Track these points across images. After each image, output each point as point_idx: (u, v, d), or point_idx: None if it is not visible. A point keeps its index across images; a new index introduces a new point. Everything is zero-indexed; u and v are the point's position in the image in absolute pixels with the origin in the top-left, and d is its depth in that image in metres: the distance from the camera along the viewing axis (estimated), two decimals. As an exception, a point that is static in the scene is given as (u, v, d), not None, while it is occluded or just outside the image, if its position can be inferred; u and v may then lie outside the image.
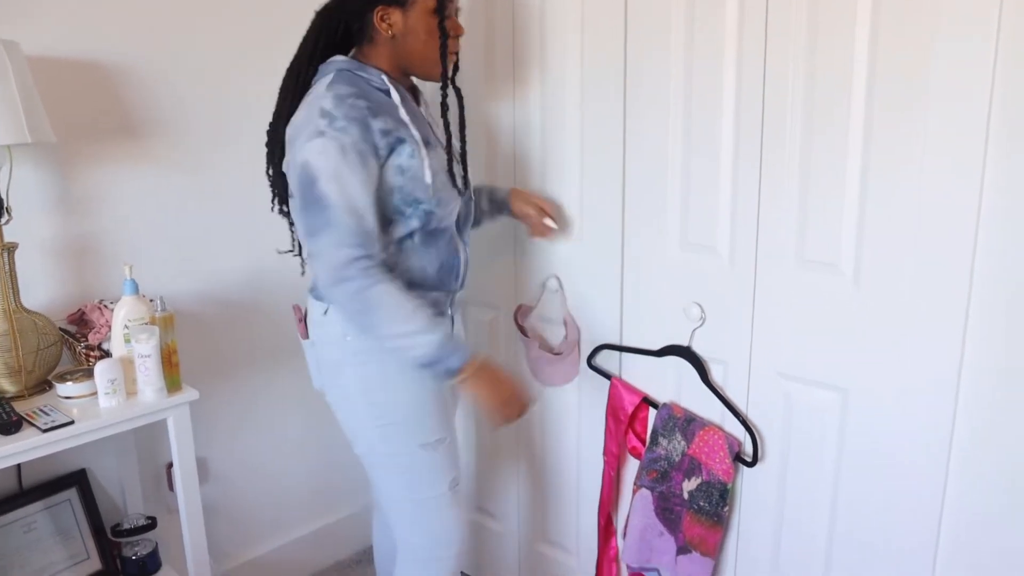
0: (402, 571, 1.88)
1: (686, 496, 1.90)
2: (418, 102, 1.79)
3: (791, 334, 1.74)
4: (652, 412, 2.00)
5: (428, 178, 1.65)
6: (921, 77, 1.47)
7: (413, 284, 1.72)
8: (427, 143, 1.68)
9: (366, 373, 1.72)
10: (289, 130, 1.62)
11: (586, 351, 2.12)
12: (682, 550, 1.93)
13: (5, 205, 1.82)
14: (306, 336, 1.82)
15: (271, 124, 1.73)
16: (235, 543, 2.50)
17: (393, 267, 1.69)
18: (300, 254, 1.81)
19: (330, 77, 1.63)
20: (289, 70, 1.73)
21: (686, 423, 1.90)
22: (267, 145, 1.74)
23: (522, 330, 2.20)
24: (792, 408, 1.78)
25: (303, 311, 1.84)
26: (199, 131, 2.22)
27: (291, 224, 1.80)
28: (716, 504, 1.86)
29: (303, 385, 2.56)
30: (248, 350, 2.42)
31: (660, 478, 1.95)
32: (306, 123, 1.57)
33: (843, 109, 1.57)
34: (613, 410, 2.06)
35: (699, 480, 1.88)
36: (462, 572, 1.91)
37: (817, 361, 1.72)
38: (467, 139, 1.83)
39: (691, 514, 1.90)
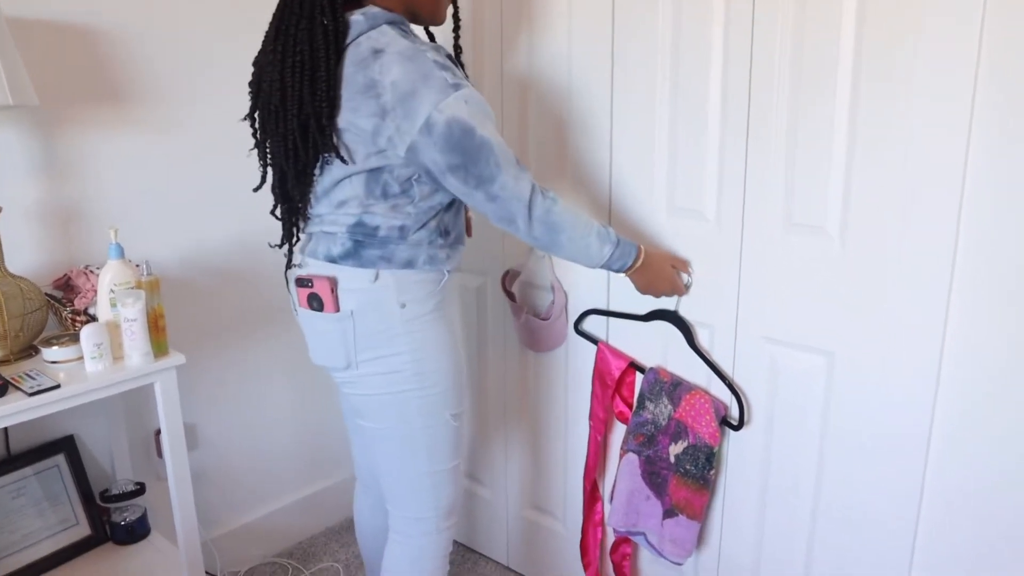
0: (406, 546, 1.81)
1: (672, 460, 1.91)
2: None
3: (777, 298, 1.75)
4: (639, 377, 2.01)
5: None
6: (908, 43, 1.46)
7: (457, 243, 1.74)
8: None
9: (420, 341, 1.66)
10: (391, 89, 1.47)
11: (573, 316, 2.13)
12: (668, 513, 1.94)
13: (-12, 169, 1.81)
14: (335, 308, 1.65)
15: (292, 83, 1.53)
16: (224, 510, 2.51)
17: (449, 226, 1.69)
18: (285, 244, 1.73)
19: (391, 29, 1.53)
20: (298, 20, 1.53)
21: (672, 387, 1.91)
22: (281, 105, 1.55)
23: (510, 296, 2.20)
24: (778, 372, 1.79)
25: (323, 281, 1.64)
26: (186, 95, 2.21)
27: (290, 197, 1.66)
28: (702, 467, 1.87)
29: (292, 351, 2.56)
30: (236, 316, 2.42)
31: (647, 442, 1.96)
32: (424, 79, 1.47)
33: (830, 72, 1.57)
34: (600, 375, 2.06)
35: (685, 443, 1.89)
36: (455, 541, 1.91)
37: (803, 325, 1.73)
38: None
39: (677, 477, 1.91)
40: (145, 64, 2.12)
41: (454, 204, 1.70)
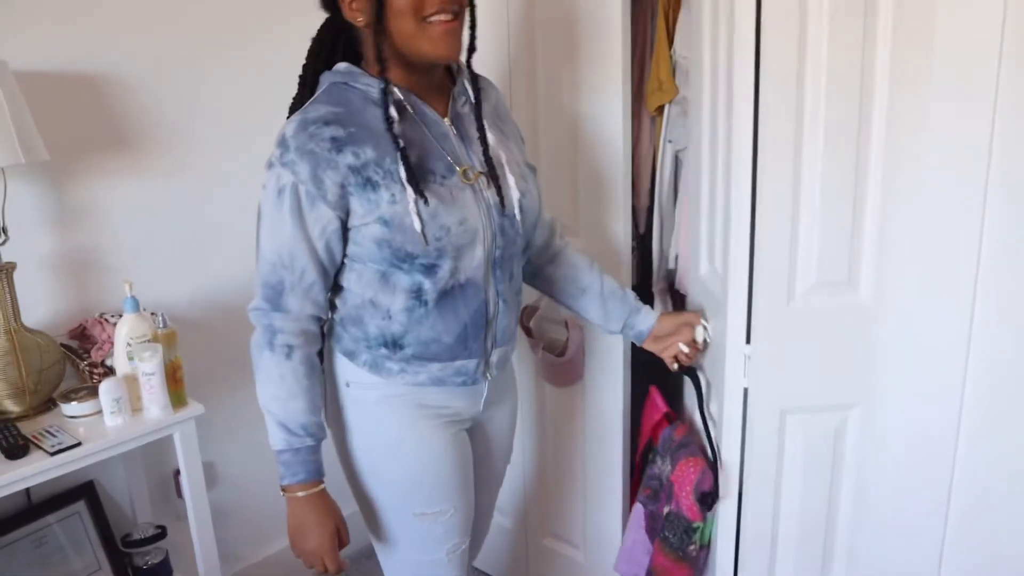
0: None
1: (662, 522, 1.87)
2: (445, 109, 1.48)
3: (794, 361, 1.64)
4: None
5: (417, 225, 1.36)
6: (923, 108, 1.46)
7: (424, 358, 1.50)
8: (428, 173, 1.40)
9: (366, 429, 1.56)
10: None
11: (595, 353, 2.11)
12: (648, 574, 1.88)
13: (2, 226, 1.81)
14: None
15: None
16: (245, 544, 2.51)
17: (400, 338, 1.48)
18: None
19: (318, 92, 1.44)
20: (298, 92, 1.52)
21: (677, 448, 1.83)
22: None
23: (527, 331, 2.20)
24: (790, 438, 1.69)
25: None
26: (195, 142, 2.20)
27: None
28: (681, 539, 1.77)
29: (307, 385, 2.55)
30: (249, 352, 2.41)
31: (652, 496, 1.91)
32: (274, 148, 1.40)
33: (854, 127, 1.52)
34: (644, 418, 2.04)
35: (669, 509, 1.80)
36: (476, 569, 1.84)
37: (823, 385, 1.66)
38: (502, 130, 1.56)
39: (659, 542, 1.83)
40: (151, 109, 2.11)
41: (412, 309, 1.46)
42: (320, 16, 1.50)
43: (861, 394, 1.64)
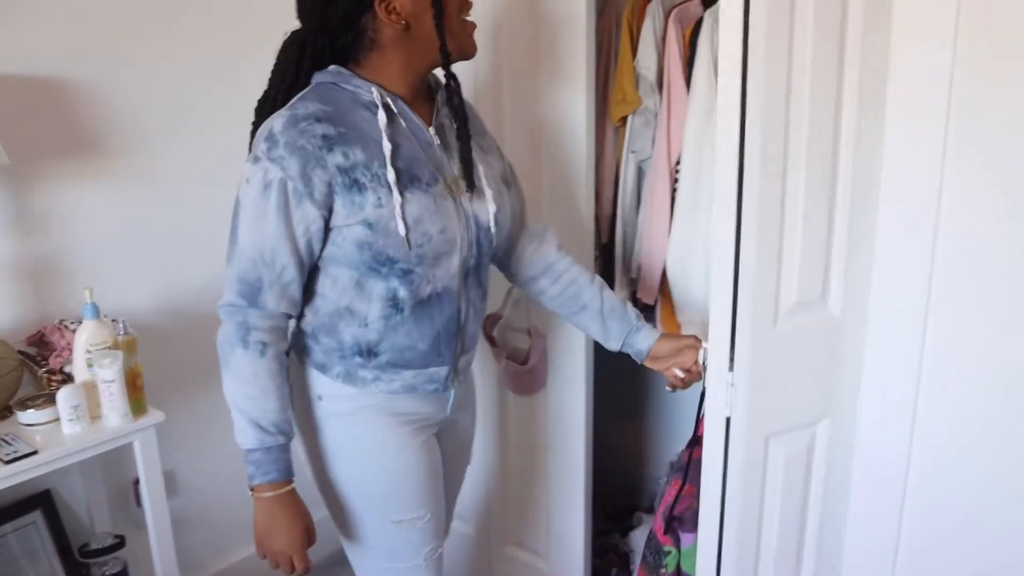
0: None
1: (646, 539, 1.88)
2: (429, 118, 1.49)
3: (776, 384, 1.63)
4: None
5: (401, 229, 1.38)
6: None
7: (398, 366, 1.51)
8: (413, 179, 1.40)
9: (341, 440, 1.55)
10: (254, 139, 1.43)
11: (557, 359, 2.13)
12: None
13: (-42, 230, 1.78)
14: None
15: (249, 137, 1.49)
16: (207, 552, 2.49)
17: (375, 346, 1.48)
18: None
19: (306, 90, 1.42)
20: (266, 91, 1.48)
21: (677, 468, 1.82)
22: None
23: (491, 340, 2.20)
24: (771, 462, 1.68)
25: None
26: (153, 144, 2.18)
27: None
28: (655, 559, 1.76)
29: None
30: (212, 361, 2.38)
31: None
32: (256, 139, 1.39)
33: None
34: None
35: (650, 528, 1.81)
36: None
37: (800, 404, 1.67)
38: (480, 145, 1.55)
39: (642, 559, 1.86)
40: (113, 114, 2.09)
41: (388, 316, 1.46)
42: (288, 20, 1.48)
43: (829, 406, 1.67)
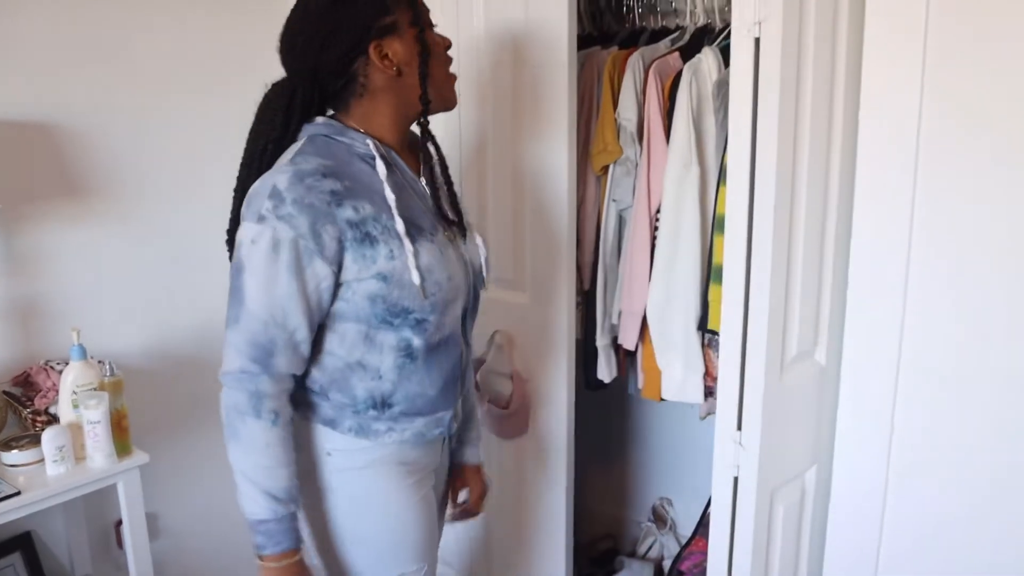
0: None
1: None
2: (418, 166, 1.50)
3: (780, 438, 1.68)
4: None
5: (416, 279, 1.37)
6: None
7: (411, 414, 1.48)
8: (418, 229, 1.40)
9: (352, 496, 1.49)
10: (247, 197, 1.37)
11: (545, 404, 2.15)
12: None
13: (-52, 272, 1.80)
14: None
15: (236, 192, 1.45)
16: (185, 597, 2.48)
17: (389, 396, 1.46)
18: None
19: (300, 144, 1.39)
20: (252, 142, 1.44)
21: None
22: (232, 212, 1.46)
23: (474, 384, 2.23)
24: (774, 514, 1.73)
25: None
26: (144, 190, 2.22)
27: None
28: None
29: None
30: (196, 403, 2.40)
31: None
32: (255, 197, 1.33)
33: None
34: None
35: None
36: None
37: (797, 454, 1.73)
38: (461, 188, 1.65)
39: None
40: (102, 158, 2.13)
41: (402, 365, 1.45)
42: (272, 71, 1.48)
43: (817, 453, 1.71)
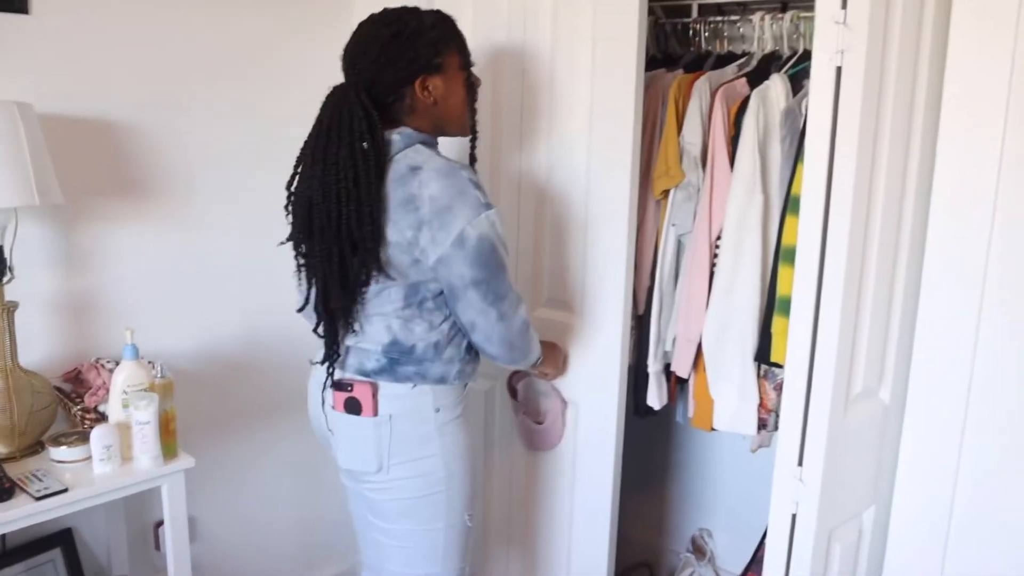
0: None
1: None
2: None
3: (841, 476, 1.64)
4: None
5: None
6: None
7: (479, 356, 1.79)
8: None
9: (451, 444, 1.74)
10: (429, 203, 1.56)
11: (582, 420, 2.12)
12: None
13: (8, 264, 1.81)
14: (374, 413, 1.69)
15: (338, 207, 1.57)
16: (218, 602, 2.46)
17: (470, 345, 1.75)
18: (328, 361, 1.73)
19: (425, 148, 1.65)
20: (338, 145, 1.58)
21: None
22: (328, 228, 1.59)
23: (513, 392, 2.21)
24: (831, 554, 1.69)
25: (365, 386, 1.69)
26: (199, 190, 2.22)
27: (334, 316, 1.68)
28: None
29: (295, 444, 2.54)
30: (242, 408, 2.40)
31: None
32: (460, 195, 1.58)
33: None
34: None
35: None
36: None
37: (856, 493, 1.69)
38: None
39: None
40: (161, 156, 2.14)
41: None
42: (324, 69, 1.69)
43: (876, 494, 1.67)
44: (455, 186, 1.58)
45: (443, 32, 1.67)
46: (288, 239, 1.71)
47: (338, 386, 1.72)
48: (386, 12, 1.66)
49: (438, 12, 1.69)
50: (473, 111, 1.76)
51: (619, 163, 1.97)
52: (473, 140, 1.82)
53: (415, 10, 1.67)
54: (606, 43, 1.94)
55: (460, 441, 1.77)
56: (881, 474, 1.69)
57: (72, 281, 2.02)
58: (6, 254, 1.80)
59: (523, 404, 2.21)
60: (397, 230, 1.59)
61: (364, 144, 1.58)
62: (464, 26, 1.73)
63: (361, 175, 1.57)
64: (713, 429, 2.09)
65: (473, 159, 1.81)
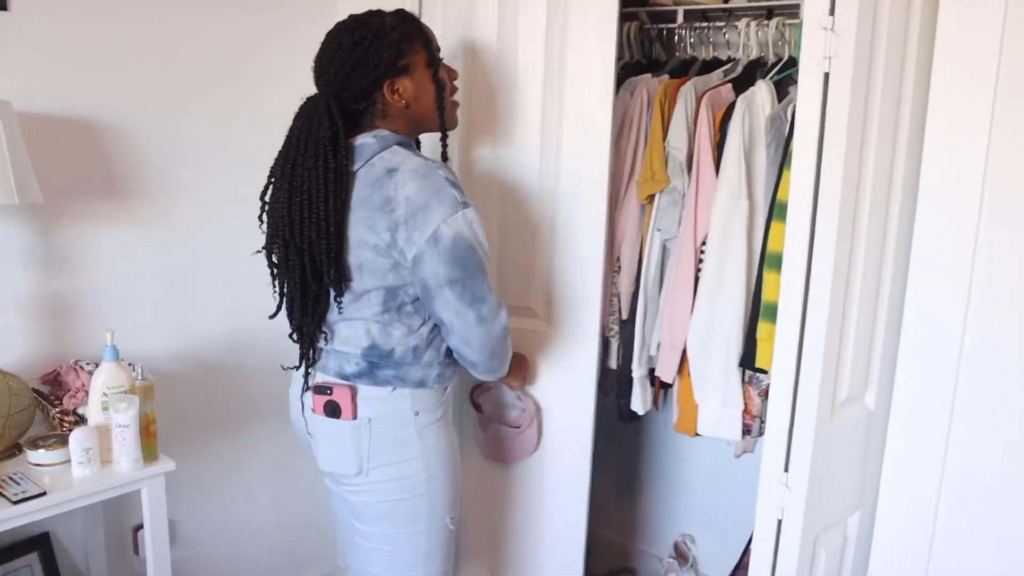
0: None
1: None
2: None
3: (827, 481, 1.64)
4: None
5: None
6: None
7: (451, 355, 1.75)
8: None
9: (431, 446, 1.73)
10: (405, 204, 1.56)
11: (552, 426, 2.11)
12: None
13: (-14, 265, 1.78)
14: (353, 416, 1.69)
15: (300, 221, 1.59)
16: (198, 607, 2.44)
17: (448, 349, 1.73)
18: (302, 366, 1.74)
19: (402, 149, 1.64)
20: (303, 157, 1.60)
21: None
22: (292, 241, 1.61)
23: (477, 407, 2.20)
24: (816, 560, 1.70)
25: (344, 389, 1.68)
26: (181, 191, 2.20)
27: (303, 324, 1.70)
28: None
29: (277, 446, 2.52)
30: (224, 410, 2.38)
31: None
32: (436, 194, 1.56)
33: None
34: None
35: None
36: None
37: (841, 499, 1.70)
38: None
39: None
40: (141, 156, 2.12)
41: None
42: (305, 76, 1.68)
43: (862, 499, 1.67)
44: (432, 186, 1.57)
45: (404, 32, 1.65)
46: (260, 250, 1.72)
47: (318, 389, 1.71)
48: (350, 18, 1.66)
49: (400, 12, 1.68)
50: (446, 105, 1.72)
51: (594, 169, 1.97)
52: (444, 137, 1.77)
53: (377, 13, 1.67)
54: (581, 41, 1.95)
55: (441, 444, 1.75)
56: (866, 480, 1.69)
57: (51, 282, 1.99)
58: (-16, 254, 1.78)
59: (490, 417, 2.21)
60: (375, 233, 1.58)
61: (328, 159, 1.58)
62: (434, 22, 1.73)
63: (322, 189, 1.58)
64: (697, 434, 2.09)
65: (445, 156, 1.78)
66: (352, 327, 1.69)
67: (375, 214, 1.58)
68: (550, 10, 1.98)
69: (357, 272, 1.62)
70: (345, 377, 1.70)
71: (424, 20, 1.82)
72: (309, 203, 1.58)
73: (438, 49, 1.71)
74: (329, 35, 1.66)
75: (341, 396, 1.68)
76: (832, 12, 1.44)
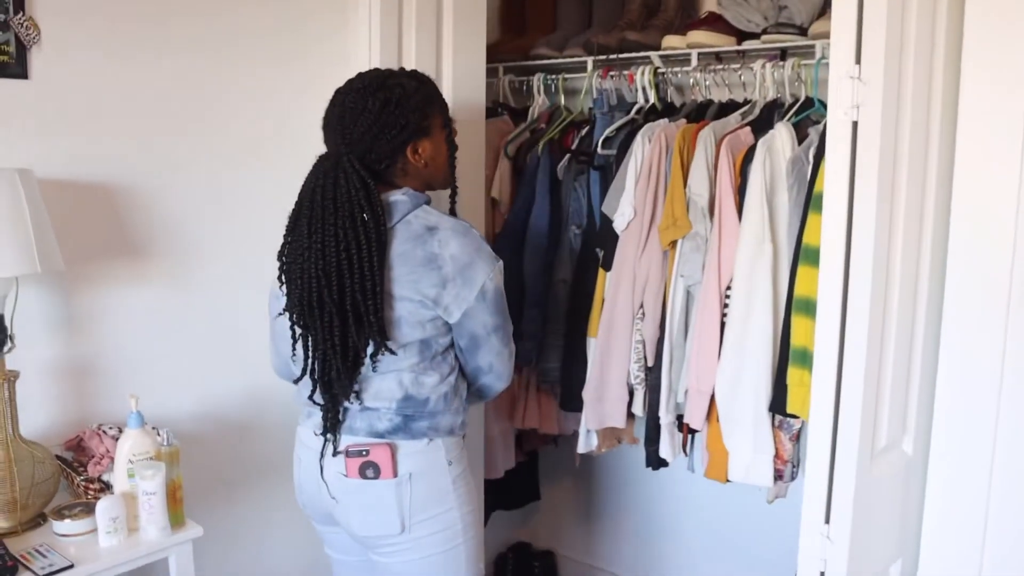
0: None
1: None
2: None
3: (868, 530, 1.62)
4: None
5: None
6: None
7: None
8: None
9: (464, 495, 1.76)
10: (451, 262, 1.64)
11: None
12: None
13: (8, 333, 1.77)
14: (394, 474, 1.67)
15: (340, 279, 1.60)
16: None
17: (463, 394, 1.79)
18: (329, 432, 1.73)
19: (431, 208, 1.72)
20: (335, 216, 1.61)
21: None
22: (330, 300, 1.61)
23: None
24: None
25: (382, 448, 1.67)
26: (198, 249, 2.18)
27: (332, 384, 1.68)
28: None
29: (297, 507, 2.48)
30: (246, 471, 2.35)
31: None
32: (477, 251, 1.67)
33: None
34: None
35: None
36: None
37: (881, 546, 1.67)
38: None
39: None
40: (161, 220, 2.10)
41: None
42: (319, 129, 1.74)
43: (902, 547, 1.64)
44: (472, 243, 1.67)
45: (425, 95, 1.72)
46: (285, 310, 1.71)
47: (352, 453, 1.69)
48: (365, 80, 1.69)
49: (416, 74, 1.75)
50: (453, 166, 1.81)
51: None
52: (453, 193, 1.86)
53: (395, 74, 1.73)
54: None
55: (471, 491, 1.79)
56: (906, 526, 1.67)
57: (72, 347, 1.97)
58: (7, 323, 1.76)
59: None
60: (417, 289, 1.64)
61: (364, 215, 1.61)
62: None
63: (363, 247, 1.60)
64: (728, 480, 2.06)
65: (453, 212, 1.84)
66: (384, 379, 1.68)
67: (419, 269, 1.64)
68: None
69: (396, 326, 1.65)
70: (379, 435, 1.68)
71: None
72: (348, 260, 1.60)
73: (448, 109, 1.80)
74: (346, 96, 1.69)
75: (380, 456, 1.67)
76: (858, 60, 1.44)
